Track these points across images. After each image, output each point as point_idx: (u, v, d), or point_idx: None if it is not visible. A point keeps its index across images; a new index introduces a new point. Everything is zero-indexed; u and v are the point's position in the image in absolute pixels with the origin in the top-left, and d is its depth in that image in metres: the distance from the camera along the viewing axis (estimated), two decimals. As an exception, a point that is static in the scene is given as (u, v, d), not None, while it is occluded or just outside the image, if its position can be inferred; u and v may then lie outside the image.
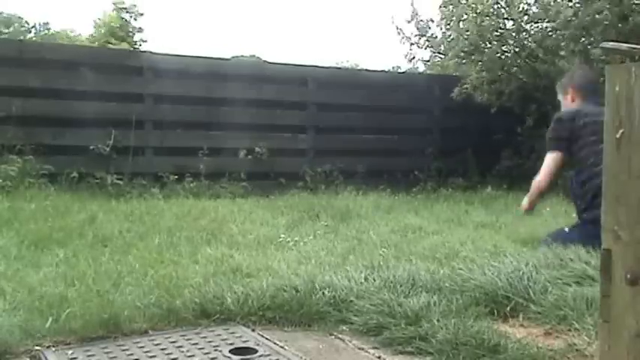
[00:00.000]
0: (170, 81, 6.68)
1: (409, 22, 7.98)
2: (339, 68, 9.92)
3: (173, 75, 6.68)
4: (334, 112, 7.49)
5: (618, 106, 1.17)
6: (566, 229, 3.50)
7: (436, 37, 8.03)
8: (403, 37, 8.06)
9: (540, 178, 3.62)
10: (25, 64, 6.11)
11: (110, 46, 8.05)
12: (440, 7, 7.72)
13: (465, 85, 7.34)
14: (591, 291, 2.43)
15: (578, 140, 3.43)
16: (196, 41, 39.99)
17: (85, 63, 6.41)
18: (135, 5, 7.79)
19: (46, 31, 22.44)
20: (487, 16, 6.97)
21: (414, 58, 8.35)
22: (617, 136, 1.17)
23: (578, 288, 2.57)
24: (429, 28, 7.98)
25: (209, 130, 6.88)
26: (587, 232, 3.11)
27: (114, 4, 7.74)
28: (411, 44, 8.08)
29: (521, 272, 2.71)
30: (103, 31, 7.35)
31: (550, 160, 3.56)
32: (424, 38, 8.00)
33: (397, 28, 8.04)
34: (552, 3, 6.53)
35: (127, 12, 7.77)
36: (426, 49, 8.12)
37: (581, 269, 2.84)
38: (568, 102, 3.70)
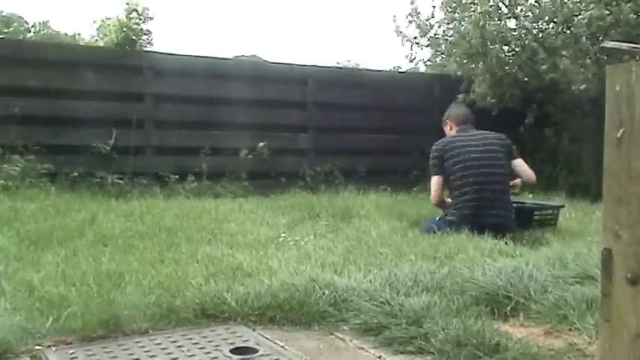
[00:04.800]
0: (171, 80, 6.68)
1: (410, 22, 7.98)
2: (340, 68, 9.91)
3: (174, 74, 6.68)
4: (335, 111, 7.49)
5: (619, 105, 1.17)
6: (437, 218, 4.36)
7: (438, 37, 8.02)
8: (404, 39, 8.06)
9: (435, 201, 4.48)
10: (26, 63, 6.10)
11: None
12: (442, 6, 7.71)
13: (472, 92, 7.33)
14: (592, 290, 2.43)
15: (448, 159, 4.31)
16: (197, 41, 39.89)
17: (85, 62, 6.40)
18: (147, 9, 7.62)
19: (44, 31, 22.36)
20: (489, 16, 6.96)
21: (414, 59, 8.34)
22: (618, 135, 1.17)
23: (579, 287, 2.57)
24: (431, 27, 7.96)
25: (210, 129, 6.88)
26: (444, 223, 4.15)
27: (125, 10, 7.58)
28: (412, 45, 8.08)
29: (521, 272, 2.72)
30: (114, 37, 7.22)
31: (435, 183, 4.44)
32: (425, 38, 7.99)
33: (397, 29, 8.03)
34: (567, 4, 6.50)
35: (138, 14, 7.60)
36: (427, 47, 8.10)
37: (581, 269, 2.84)
38: (448, 131, 4.64)
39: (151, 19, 7.71)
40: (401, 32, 8.02)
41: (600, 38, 6.21)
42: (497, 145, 4.35)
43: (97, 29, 8.53)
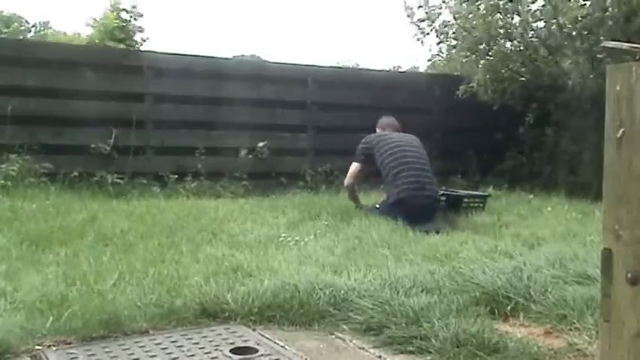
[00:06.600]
0: (171, 80, 6.68)
1: (420, 7, 7.78)
2: (340, 68, 9.90)
3: (174, 74, 6.68)
4: (335, 111, 7.48)
5: (619, 105, 1.17)
6: (377, 206, 4.89)
7: (445, 25, 7.86)
8: (419, 31, 7.85)
9: (347, 182, 5.21)
10: (25, 63, 6.10)
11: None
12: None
13: (471, 84, 7.30)
14: (592, 290, 2.44)
15: (378, 151, 4.90)
16: (197, 40, 39.93)
17: (85, 62, 6.40)
18: (135, 6, 7.71)
19: (44, 31, 22.40)
20: (498, 12, 6.93)
21: (422, 40, 8.08)
22: (618, 135, 1.17)
23: (579, 287, 2.58)
24: (439, 15, 7.81)
25: (210, 129, 6.87)
26: (388, 208, 4.67)
27: (111, 5, 7.66)
28: (420, 29, 7.85)
29: (521, 272, 2.72)
30: (100, 31, 7.29)
31: (354, 168, 5.12)
32: (433, 25, 7.83)
33: (407, 9, 7.77)
34: (562, 1, 6.48)
35: (126, 12, 7.71)
36: (431, 32, 7.94)
37: (581, 269, 2.84)
38: (379, 132, 5.37)
39: (141, 15, 7.75)
40: (412, 17, 7.80)
41: (589, 35, 6.20)
42: (418, 142, 5.04)
43: (91, 28, 8.58)
